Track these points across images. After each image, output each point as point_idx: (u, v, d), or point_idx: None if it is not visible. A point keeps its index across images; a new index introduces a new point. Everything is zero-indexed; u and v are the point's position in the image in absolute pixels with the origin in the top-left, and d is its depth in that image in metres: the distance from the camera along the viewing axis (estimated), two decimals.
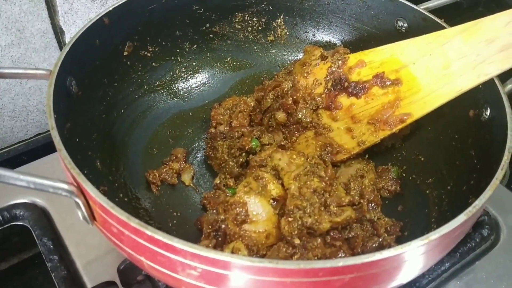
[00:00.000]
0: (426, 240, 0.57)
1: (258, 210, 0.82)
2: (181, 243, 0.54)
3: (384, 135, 0.92)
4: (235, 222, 0.82)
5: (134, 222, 0.57)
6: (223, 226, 0.81)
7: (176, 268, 0.58)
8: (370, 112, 0.94)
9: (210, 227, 0.82)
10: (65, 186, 0.62)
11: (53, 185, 0.62)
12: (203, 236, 0.82)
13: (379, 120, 0.93)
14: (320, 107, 0.99)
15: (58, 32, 1.10)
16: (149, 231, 0.56)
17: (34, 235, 0.92)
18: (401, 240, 0.84)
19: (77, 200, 0.63)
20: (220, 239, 0.81)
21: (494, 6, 1.68)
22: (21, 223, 0.96)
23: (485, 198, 0.64)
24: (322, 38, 1.14)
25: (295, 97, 0.99)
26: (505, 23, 0.79)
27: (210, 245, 0.78)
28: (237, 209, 0.82)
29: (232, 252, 0.78)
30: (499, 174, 0.67)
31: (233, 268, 0.55)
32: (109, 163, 0.88)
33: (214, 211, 0.85)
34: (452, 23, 0.92)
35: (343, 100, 0.97)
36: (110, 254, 0.90)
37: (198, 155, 1.03)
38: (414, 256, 0.60)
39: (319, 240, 0.79)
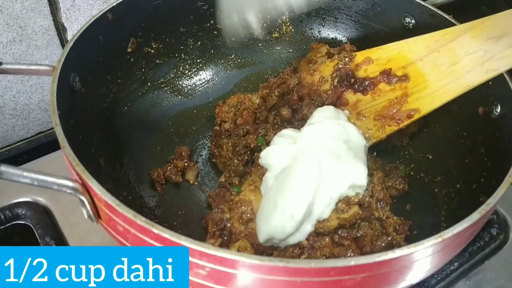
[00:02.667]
0: (440, 239, 0.56)
1: None
2: (189, 241, 0.53)
3: (391, 131, 0.91)
4: (240, 221, 0.81)
5: (141, 220, 0.55)
6: (229, 225, 0.80)
7: None
8: (376, 108, 0.94)
9: (215, 226, 0.80)
10: (69, 183, 0.61)
11: (58, 182, 0.61)
12: (209, 235, 0.81)
13: (385, 116, 0.92)
14: (326, 103, 0.97)
15: (60, 29, 1.08)
16: (156, 229, 0.54)
17: (36, 234, 0.91)
18: (410, 239, 0.83)
19: (82, 197, 0.62)
20: (225, 238, 0.80)
21: (498, 5, 1.67)
22: (23, 222, 0.94)
23: (498, 196, 0.63)
24: (328, 35, 1.13)
25: (300, 93, 0.98)
26: None
27: (216, 244, 0.77)
28: (243, 207, 0.82)
29: (238, 251, 0.76)
30: None
31: (242, 267, 0.54)
32: (113, 161, 0.87)
33: (219, 209, 0.84)
34: (457, 20, 0.91)
35: (350, 96, 0.96)
36: None
37: (202, 153, 1.02)
38: (426, 255, 0.59)
39: (327, 239, 0.78)
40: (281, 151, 0.86)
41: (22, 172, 0.59)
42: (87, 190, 0.62)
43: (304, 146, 0.84)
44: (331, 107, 0.93)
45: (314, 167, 0.78)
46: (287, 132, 0.91)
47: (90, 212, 0.63)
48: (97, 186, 0.59)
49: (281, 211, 0.75)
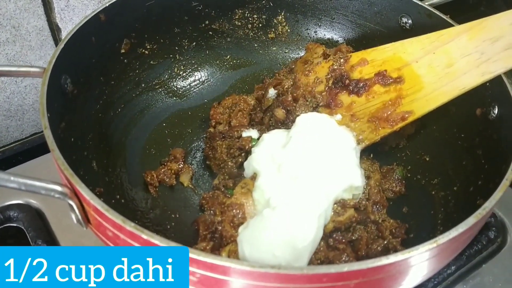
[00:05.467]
0: (435, 244, 0.55)
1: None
2: None
3: (385, 133, 0.90)
4: (231, 224, 0.80)
5: (130, 226, 0.54)
6: (220, 228, 0.79)
7: None
8: (370, 110, 0.93)
9: (206, 229, 0.79)
10: (58, 187, 0.60)
11: (46, 187, 0.60)
12: (200, 238, 0.80)
13: (379, 118, 0.91)
14: (320, 105, 0.97)
15: (55, 30, 1.08)
16: (145, 235, 0.54)
17: (28, 237, 0.90)
18: (406, 242, 0.82)
19: (71, 202, 0.61)
20: (216, 241, 0.79)
21: (497, 5, 1.66)
22: (15, 225, 0.94)
23: (495, 199, 0.62)
24: (324, 35, 1.12)
25: (295, 94, 0.97)
26: (511, 22, 0.78)
27: (207, 248, 0.76)
28: (234, 211, 0.81)
29: (228, 256, 0.75)
30: (509, 174, 0.66)
31: (233, 274, 0.53)
32: (106, 164, 0.86)
33: (212, 212, 0.83)
34: (456, 21, 0.90)
35: (344, 98, 0.95)
36: None
37: (197, 155, 1.01)
38: (422, 260, 0.58)
39: (322, 242, 0.77)
40: (262, 157, 0.85)
41: (9, 176, 0.58)
42: (76, 195, 0.61)
43: (293, 155, 0.83)
44: (315, 113, 0.92)
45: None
46: (265, 137, 0.91)
47: (79, 217, 0.63)
48: (85, 190, 0.58)
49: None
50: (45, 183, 0.60)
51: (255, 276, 0.53)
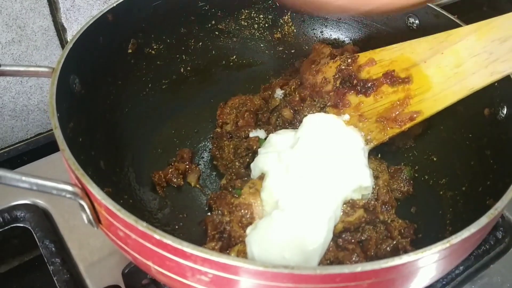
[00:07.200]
0: (448, 244, 0.55)
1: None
2: (191, 247, 0.52)
3: (393, 133, 0.90)
4: (240, 225, 0.80)
5: (142, 226, 0.54)
6: (228, 228, 0.79)
7: (185, 273, 0.56)
8: (378, 110, 0.92)
9: (214, 229, 0.79)
10: (69, 187, 0.60)
11: (57, 187, 0.60)
12: (208, 238, 0.80)
13: (387, 118, 0.91)
14: (327, 105, 0.96)
15: (60, 30, 1.08)
16: (158, 235, 0.53)
17: (35, 237, 0.90)
18: (415, 242, 0.82)
19: (82, 202, 0.61)
20: (225, 241, 0.79)
21: (500, 7, 1.66)
22: (22, 225, 0.94)
23: (507, 199, 0.62)
24: (330, 35, 1.11)
25: (302, 94, 0.97)
26: None
27: (216, 248, 0.76)
28: (242, 211, 0.81)
29: (237, 256, 0.75)
30: None
31: (246, 274, 0.53)
32: (113, 164, 0.86)
33: (220, 212, 0.83)
34: (462, 20, 0.90)
35: (352, 98, 0.95)
36: (114, 256, 0.88)
37: (204, 155, 1.01)
38: (434, 260, 0.58)
39: (331, 243, 0.77)
40: (269, 158, 0.85)
41: (20, 176, 0.58)
42: (87, 195, 0.60)
43: (301, 155, 0.83)
44: (322, 114, 0.92)
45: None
46: (272, 137, 0.91)
47: (90, 217, 0.62)
48: (97, 190, 0.58)
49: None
50: (56, 183, 0.59)
51: (268, 276, 0.52)
